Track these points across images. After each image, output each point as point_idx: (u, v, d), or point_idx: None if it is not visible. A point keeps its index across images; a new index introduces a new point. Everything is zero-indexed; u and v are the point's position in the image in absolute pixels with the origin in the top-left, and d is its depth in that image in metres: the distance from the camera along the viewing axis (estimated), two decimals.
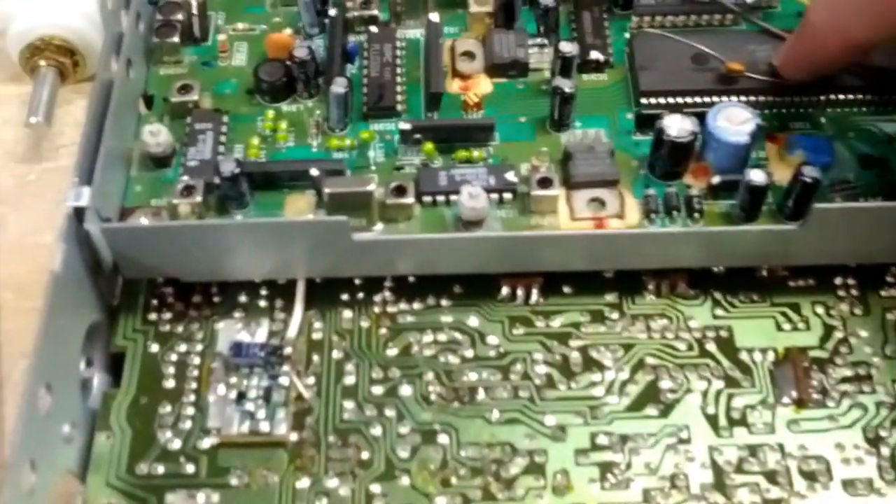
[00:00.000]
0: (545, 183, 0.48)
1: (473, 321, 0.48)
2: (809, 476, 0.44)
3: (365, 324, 0.48)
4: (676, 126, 0.47)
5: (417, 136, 0.50)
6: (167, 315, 0.49)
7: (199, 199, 0.48)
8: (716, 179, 0.48)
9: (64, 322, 0.44)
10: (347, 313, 0.49)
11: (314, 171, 0.49)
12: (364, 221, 0.48)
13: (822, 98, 0.51)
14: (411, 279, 0.49)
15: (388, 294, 0.49)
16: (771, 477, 0.44)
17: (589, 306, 0.49)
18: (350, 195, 0.47)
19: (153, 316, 0.49)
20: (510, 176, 0.49)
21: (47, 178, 0.58)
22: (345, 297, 0.49)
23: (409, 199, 0.48)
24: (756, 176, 0.45)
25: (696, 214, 0.48)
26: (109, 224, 0.47)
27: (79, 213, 0.46)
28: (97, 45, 0.58)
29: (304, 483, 0.44)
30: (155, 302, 0.49)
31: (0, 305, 0.53)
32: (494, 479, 0.44)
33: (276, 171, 0.50)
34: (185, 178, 0.49)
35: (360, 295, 0.49)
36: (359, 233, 0.47)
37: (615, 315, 0.48)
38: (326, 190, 0.47)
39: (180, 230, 0.47)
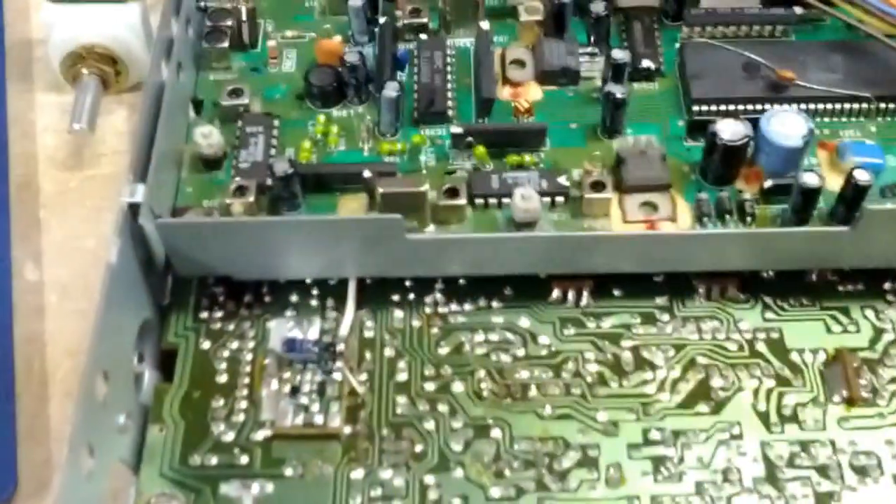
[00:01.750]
0: (598, 186, 0.53)
1: (524, 322, 0.53)
2: (860, 471, 0.49)
3: (416, 323, 0.54)
4: (730, 130, 0.53)
5: (469, 139, 0.55)
6: (218, 314, 0.54)
7: (251, 199, 0.53)
8: (768, 183, 0.53)
9: (118, 315, 0.49)
10: (399, 313, 0.54)
11: (367, 173, 0.54)
12: (416, 223, 0.53)
13: (873, 106, 0.56)
14: (461, 281, 0.54)
15: (438, 295, 0.54)
16: (822, 471, 0.49)
17: (639, 309, 0.54)
18: (403, 195, 0.53)
19: (204, 314, 0.54)
20: (562, 180, 0.54)
21: (89, 184, 0.63)
22: (395, 297, 0.54)
23: (462, 201, 0.53)
24: (809, 178, 0.51)
25: (749, 218, 0.53)
26: (163, 220, 0.52)
27: (133, 210, 0.51)
28: (139, 55, 0.64)
29: (358, 474, 0.49)
30: (206, 301, 0.54)
31: (44, 307, 0.58)
32: (548, 471, 0.49)
33: (328, 172, 0.55)
34: (238, 179, 0.54)
35: (411, 296, 0.54)
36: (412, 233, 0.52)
37: (666, 317, 0.53)
38: (380, 190, 0.53)
39: (234, 227, 0.52)
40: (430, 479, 0.49)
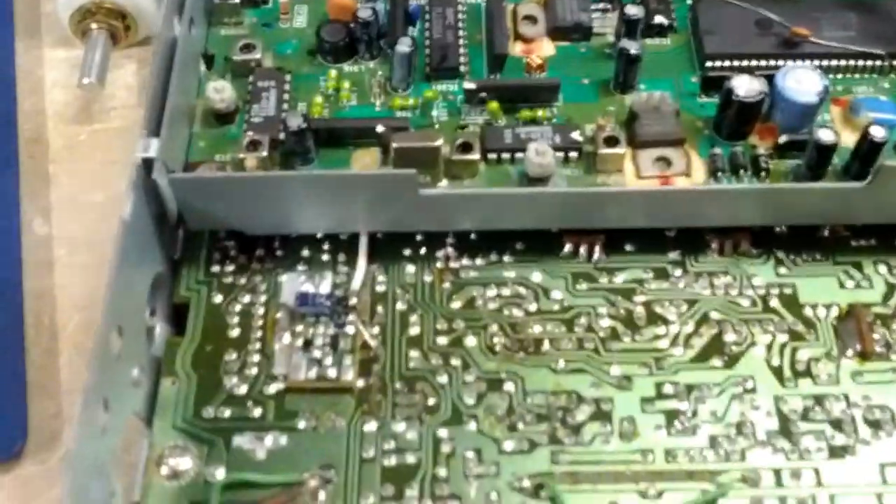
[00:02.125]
0: (611, 142, 0.53)
1: (536, 277, 0.53)
2: (874, 424, 0.49)
3: (428, 278, 0.53)
4: (745, 86, 0.52)
5: (482, 94, 0.55)
6: (230, 268, 0.54)
7: (264, 154, 0.53)
8: (783, 139, 0.53)
9: (131, 270, 0.49)
10: (410, 268, 0.54)
11: (380, 128, 0.53)
12: (429, 178, 0.53)
13: (886, 63, 0.56)
14: (473, 236, 0.54)
15: (450, 250, 0.54)
16: (836, 425, 0.49)
17: (652, 264, 0.54)
18: (418, 150, 0.52)
19: (216, 268, 0.54)
20: (576, 135, 0.54)
21: (98, 138, 0.63)
22: (407, 252, 0.54)
23: (475, 156, 0.53)
24: (824, 134, 0.51)
25: (763, 173, 0.53)
26: (177, 174, 0.51)
27: (146, 165, 0.50)
28: (148, 9, 0.64)
29: (371, 427, 0.49)
30: (217, 255, 0.54)
31: (54, 261, 0.58)
32: (561, 424, 0.49)
33: (341, 127, 0.55)
34: (251, 133, 0.54)
35: (423, 251, 0.54)
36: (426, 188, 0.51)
37: (678, 272, 0.53)
38: (394, 145, 0.52)
39: (247, 182, 0.52)
40: (443, 433, 0.49)
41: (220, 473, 0.48)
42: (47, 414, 0.52)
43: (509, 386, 0.50)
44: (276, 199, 0.51)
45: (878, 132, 0.50)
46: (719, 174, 0.53)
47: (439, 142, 0.52)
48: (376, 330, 0.51)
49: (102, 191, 0.59)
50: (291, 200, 0.51)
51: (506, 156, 0.54)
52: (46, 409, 0.53)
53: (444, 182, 0.53)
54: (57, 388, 0.53)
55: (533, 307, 0.52)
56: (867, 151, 0.50)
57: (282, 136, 0.53)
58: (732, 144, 0.54)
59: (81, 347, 0.53)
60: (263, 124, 0.55)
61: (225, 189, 0.51)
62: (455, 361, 0.51)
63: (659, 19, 0.58)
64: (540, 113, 0.55)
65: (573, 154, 0.54)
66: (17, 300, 0.55)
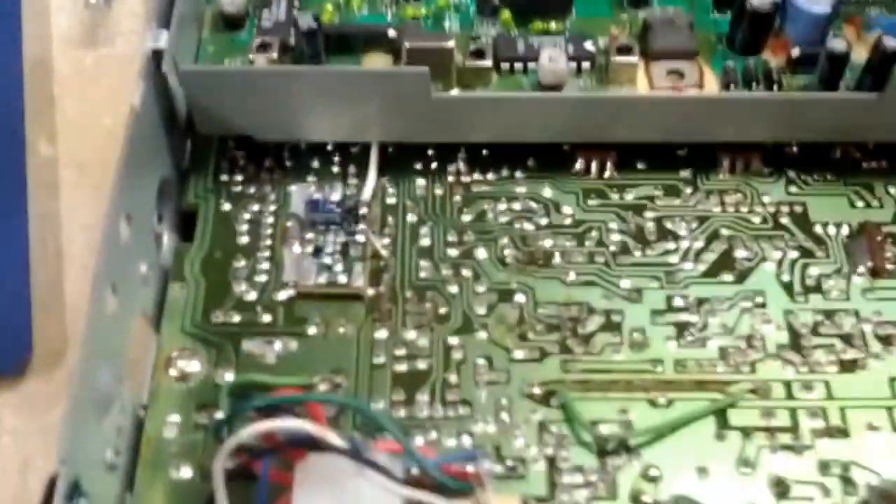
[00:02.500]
0: (624, 51, 0.52)
1: (548, 192, 0.53)
2: (885, 340, 0.48)
3: (439, 191, 0.53)
4: None
5: (495, 4, 0.54)
6: (239, 177, 0.53)
7: (274, 55, 0.52)
8: (795, 52, 0.52)
9: (140, 165, 0.48)
10: (421, 181, 0.53)
11: (392, 32, 0.52)
12: (441, 86, 0.52)
13: None
14: (485, 152, 0.53)
15: (461, 164, 0.53)
16: (847, 339, 0.48)
17: (663, 181, 0.53)
18: (430, 51, 0.51)
19: (225, 177, 0.53)
20: (589, 45, 0.53)
21: (104, 63, 0.61)
22: (418, 165, 0.53)
23: (488, 63, 0.52)
24: (836, 44, 0.50)
25: (775, 86, 0.52)
26: (187, 67, 0.50)
27: (156, 59, 0.49)
28: None
29: (382, 334, 0.48)
30: (226, 164, 0.53)
31: (60, 182, 0.57)
32: (571, 334, 0.48)
33: (352, 31, 0.54)
34: (261, 37, 0.53)
35: (434, 165, 0.53)
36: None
37: (689, 189, 0.53)
38: (406, 45, 0.51)
39: (257, 77, 0.50)
40: (453, 341, 0.48)
41: (228, 377, 0.47)
42: (52, 333, 0.51)
43: (520, 297, 0.49)
44: (286, 99, 0.50)
45: (890, 43, 0.49)
46: (732, 86, 0.52)
47: (451, 43, 0.51)
48: (387, 241, 0.51)
49: (109, 115, 0.58)
50: (302, 102, 0.51)
51: (518, 66, 0.53)
52: (51, 329, 0.51)
53: (455, 91, 0.52)
54: (62, 308, 0.52)
55: (544, 221, 0.52)
56: (879, 63, 0.50)
57: (292, 40, 0.52)
58: (746, 58, 0.53)
59: (87, 269, 0.52)
60: (273, 29, 0.54)
61: (234, 85, 0.50)
62: (466, 272, 0.50)
63: None
64: (553, 25, 0.54)
65: (586, 65, 0.53)
66: (22, 220, 0.54)
